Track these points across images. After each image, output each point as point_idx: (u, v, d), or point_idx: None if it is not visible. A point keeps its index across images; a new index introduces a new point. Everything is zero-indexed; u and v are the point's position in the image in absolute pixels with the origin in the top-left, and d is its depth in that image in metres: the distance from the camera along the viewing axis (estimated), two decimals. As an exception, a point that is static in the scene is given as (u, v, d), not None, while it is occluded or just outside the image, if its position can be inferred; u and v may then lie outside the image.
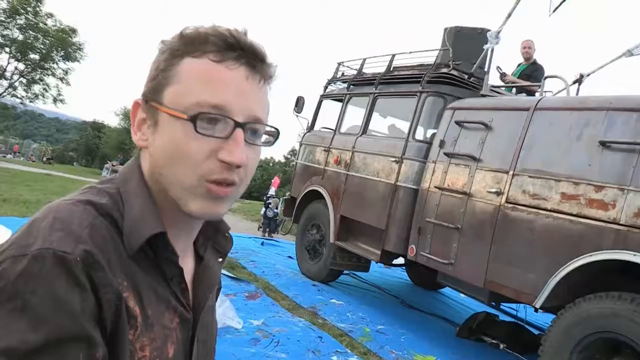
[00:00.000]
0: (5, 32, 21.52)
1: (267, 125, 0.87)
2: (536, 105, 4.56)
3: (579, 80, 6.16)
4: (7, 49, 21.66)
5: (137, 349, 0.79)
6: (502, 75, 6.75)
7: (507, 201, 4.49)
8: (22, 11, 21.21)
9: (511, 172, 4.50)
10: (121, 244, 0.80)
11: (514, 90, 6.43)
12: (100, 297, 0.72)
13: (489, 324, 5.50)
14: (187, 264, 0.97)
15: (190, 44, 0.82)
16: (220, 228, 1.04)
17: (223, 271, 6.46)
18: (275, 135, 0.91)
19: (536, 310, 4.36)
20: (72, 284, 0.69)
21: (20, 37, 21.61)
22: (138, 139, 0.87)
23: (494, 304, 5.15)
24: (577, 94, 5.98)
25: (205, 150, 0.80)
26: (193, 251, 1.01)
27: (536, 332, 5.81)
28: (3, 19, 21.09)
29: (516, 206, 4.40)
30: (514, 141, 4.57)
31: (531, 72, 6.64)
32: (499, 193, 4.56)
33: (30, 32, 21.74)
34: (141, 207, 0.84)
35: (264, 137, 0.89)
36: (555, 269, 3.97)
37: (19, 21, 21.42)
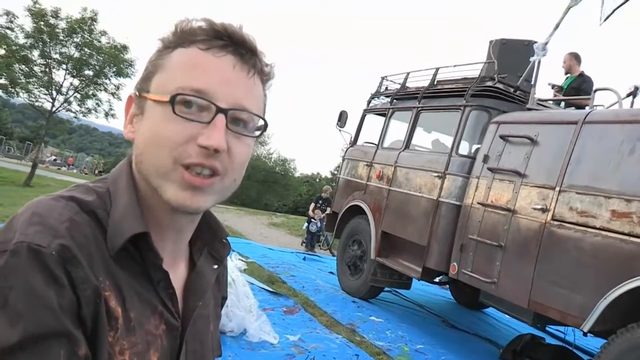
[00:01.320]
0: (63, 50, 22.49)
1: (253, 113, 0.83)
2: (585, 118, 4.37)
3: (633, 93, 5.86)
4: (64, 66, 22.61)
5: (115, 352, 0.76)
6: (558, 90, 6.53)
7: (553, 218, 4.29)
8: (79, 30, 22.15)
9: (558, 188, 4.31)
10: (104, 243, 0.77)
11: (562, 104, 6.20)
12: (78, 293, 0.70)
13: (534, 347, 5.26)
14: (179, 269, 0.93)
15: (182, 36, 0.82)
16: (217, 233, 1.01)
17: (262, 285, 6.46)
18: (261, 127, 0.87)
19: (585, 334, 4.13)
20: (48, 278, 0.67)
21: (76, 55, 22.54)
22: (127, 131, 0.85)
23: (539, 325, 4.92)
24: (631, 107, 5.71)
25: (184, 134, 0.77)
26: (187, 257, 0.97)
27: (585, 357, 5.51)
28: (62, 37, 22.07)
29: (563, 224, 4.20)
30: (561, 156, 4.38)
31: (578, 85, 6.39)
32: (544, 210, 4.37)
33: (86, 50, 22.65)
34: (125, 205, 0.82)
35: (255, 131, 0.86)
36: (605, 291, 3.75)
37: (75, 39, 22.36)
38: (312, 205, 14.46)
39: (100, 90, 23.78)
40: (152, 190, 0.82)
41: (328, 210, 14.26)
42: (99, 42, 23.01)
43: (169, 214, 0.84)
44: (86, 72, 23.20)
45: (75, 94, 23.42)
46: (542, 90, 6.44)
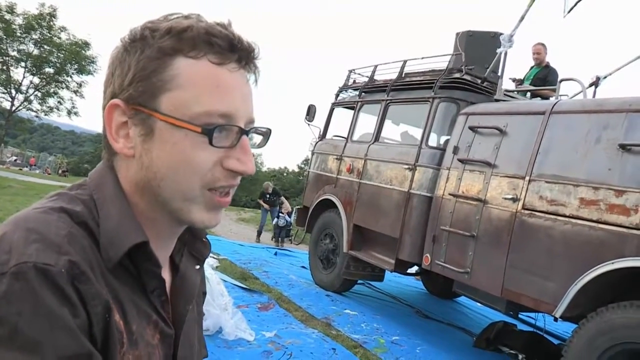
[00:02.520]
0: (21, 47, 21.85)
1: (263, 127, 0.84)
2: (552, 108, 4.45)
3: (595, 83, 6.03)
4: (23, 64, 21.97)
5: None
6: (519, 83, 6.64)
7: (523, 207, 4.37)
8: (37, 26, 21.52)
9: (527, 178, 4.39)
10: (99, 255, 0.73)
11: (528, 94, 6.31)
12: (89, 310, 0.66)
13: (507, 334, 5.35)
14: (165, 276, 0.89)
15: (184, 42, 0.75)
16: (197, 233, 0.97)
17: (235, 282, 6.40)
18: (268, 135, 0.86)
19: (556, 319, 4.22)
20: (61, 298, 0.63)
21: (36, 52, 21.91)
22: (122, 147, 0.78)
23: (512, 313, 5.02)
24: (593, 97, 5.84)
25: (212, 160, 0.76)
26: (168, 261, 0.93)
27: (556, 341, 5.65)
28: (19, 34, 21.42)
29: (533, 212, 4.28)
30: (530, 146, 4.46)
31: (544, 76, 6.52)
32: (515, 199, 4.45)
33: (45, 47, 22.05)
34: (119, 215, 0.77)
35: (257, 138, 0.85)
36: (575, 277, 3.84)
37: (33, 36, 21.74)
38: (261, 201, 15.10)
39: (62, 88, 23.24)
40: (157, 207, 0.79)
41: (284, 202, 14.77)
42: (59, 38, 22.43)
43: (173, 227, 0.83)
44: (46, 69, 22.62)
45: (36, 92, 22.78)
46: (509, 81, 6.51)
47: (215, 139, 0.74)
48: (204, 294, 1.12)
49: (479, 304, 6.51)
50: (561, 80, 5.21)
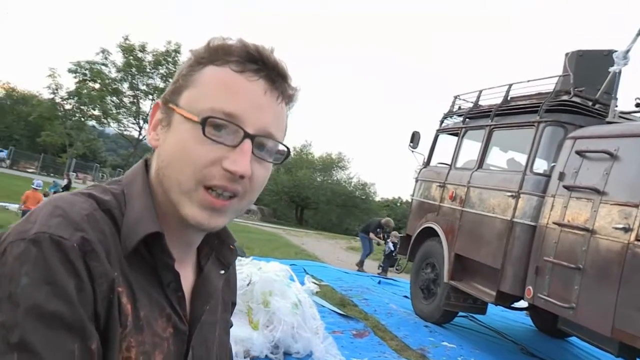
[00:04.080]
0: (149, 82, 23.88)
1: (279, 142, 0.85)
2: (670, 130, 4.04)
3: None
4: (150, 96, 23.98)
5: (122, 348, 0.77)
6: None
7: (637, 238, 3.97)
8: (164, 62, 23.46)
9: (641, 206, 3.99)
10: (119, 241, 0.79)
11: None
12: (95, 287, 0.72)
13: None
14: (187, 274, 0.94)
15: (215, 53, 0.83)
16: (225, 240, 1.01)
17: (332, 307, 6.40)
18: (284, 154, 0.88)
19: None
20: (69, 269, 0.69)
21: (162, 85, 23.87)
22: (151, 138, 0.87)
23: (627, 357, 4.53)
24: None
25: (211, 157, 0.79)
26: (195, 262, 0.98)
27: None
28: (148, 70, 23.46)
29: (648, 244, 3.87)
30: (644, 171, 4.06)
31: None
32: (627, 229, 4.05)
33: (170, 80, 23.89)
34: (141, 207, 0.84)
35: (276, 155, 0.87)
36: (697, 318, 3.40)
37: (160, 70, 23.70)
38: (373, 234, 14.40)
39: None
40: (169, 201, 0.84)
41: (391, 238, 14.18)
42: (183, 72, 24.22)
43: (181, 226, 0.86)
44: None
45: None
46: (625, 102, 6.02)
47: (211, 133, 0.78)
48: (234, 304, 1.15)
49: (592, 346, 5.96)
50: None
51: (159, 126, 0.86)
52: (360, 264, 13.99)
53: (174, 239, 0.86)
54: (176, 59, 23.60)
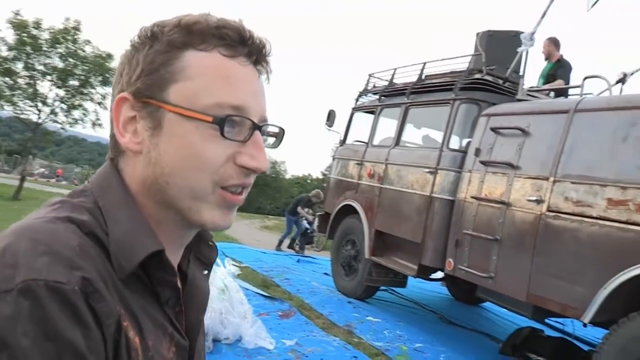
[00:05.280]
0: (47, 61, 22.26)
1: (276, 125, 0.80)
2: (576, 107, 4.31)
3: (622, 80, 5.83)
4: (49, 77, 22.39)
5: None
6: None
7: (548, 209, 4.23)
8: (63, 40, 21.92)
9: (552, 179, 4.25)
10: (111, 267, 0.67)
11: (552, 94, 6.15)
12: (104, 331, 0.61)
13: (534, 340, 5.18)
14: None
15: (194, 35, 0.72)
16: (203, 236, 0.90)
17: (256, 289, 6.36)
18: (281, 136, 0.83)
19: (585, 324, 4.07)
20: (73, 319, 0.58)
21: (61, 65, 22.31)
22: (128, 141, 0.74)
23: (538, 318, 4.86)
24: (620, 94, 5.66)
25: (224, 155, 0.72)
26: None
27: (586, 347, 5.45)
28: (45, 48, 21.85)
29: (559, 214, 4.14)
30: (554, 146, 4.32)
31: (555, 71, 6.34)
32: (539, 201, 4.31)
33: (70, 60, 22.44)
34: (129, 222, 0.72)
35: (270, 138, 0.82)
36: (604, 281, 3.69)
37: (59, 50, 22.14)
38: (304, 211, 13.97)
39: (87, 100, 23.56)
40: (166, 209, 0.74)
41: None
42: (83, 51, 22.78)
43: (181, 230, 0.78)
44: (71, 82, 22.96)
45: (61, 104, 23.20)
46: (531, 80, 6.36)
47: (227, 131, 0.71)
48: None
49: (504, 310, 6.35)
50: (586, 78, 5.06)
51: (137, 125, 0.74)
52: (279, 244, 13.95)
53: (170, 247, 0.76)
54: (76, 37, 22.07)
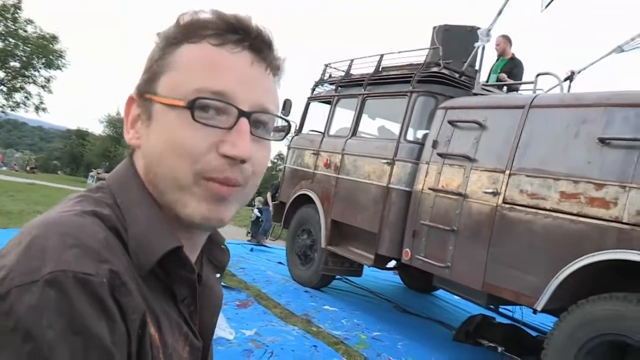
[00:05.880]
0: (-17, 40, 21.22)
1: (277, 115, 0.77)
2: (531, 102, 4.46)
3: (570, 77, 6.09)
4: (-11, 60, 21.37)
5: None
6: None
7: (504, 201, 4.38)
8: (1, 18, 20.89)
9: (507, 172, 4.40)
10: (131, 263, 0.67)
11: (504, 88, 6.34)
12: (128, 325, 0.61)
13: (486, 327, 5.37)
14: None
15: (188, 30, 0.73)
16: (215, 239, 0.91)
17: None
18: (286, 128, 0.80)
19: (535, 312, 4.25)
20: (100, 311, 0.57)
21: (0, 45, 21.28)
22: (131, 137, 0.76)
23: (492, 306, 5.05)
24: (568, 91, 5.90)
25: (205, 143, 0.69)
26: None
27: (534, 333, 5.70)
28: (-19, 26, 20.81)
29: (514, 206, 4.29)
30: (510, 140, 4.46)
31: (510, 69, 6.57)
32: (495, 193, 4.45)
33: (10, 40, 21.41)
34: (147, 218, 0.72)
35: (274, 132, 0.79)
36: (556, 270, 3.86)
37: (-3, 28, 21.14)
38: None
39: (29, 82, 22.61)
40: (166, 203, 0.73)
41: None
42: (25, 31, 21.78)
43: (185, 229, 0.75)
44: (12, 63, 21.94)
45: (1, 87, 22.12)
46: (483, 76, 6.53)
47: (202, 116, 0.69)
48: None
49: (457, 298, 6.55)
50: (538, 75, 5.25)
51: (138, 122, 0.75)
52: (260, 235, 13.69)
53: (184, 247, 0.75)
54: (16, 15, 21.03)
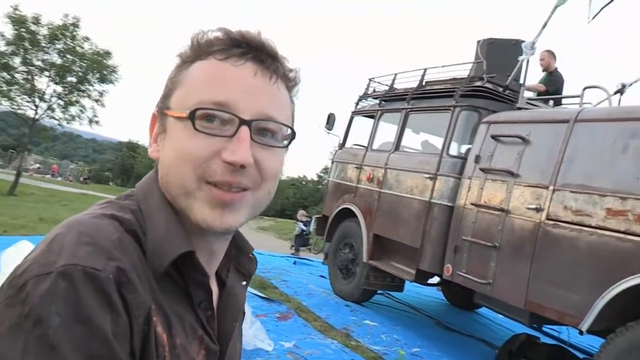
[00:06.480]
0: (45, 57, 22.25)
1: (278, 122, 0.79)
2: (577, 117, 4.36)
3: (620, 91, 5.90)
4: (47, 73, 22.39)
5: None
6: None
7: (547, 218, 4.28)
8: (61, 36, 21.92)
9: (551, 187, 4.30)
10: (146, 265, 0.72)
11: (551, 102, 6.20)
12: (132, 321, 0.65)
13: (530, 347, 5.24)
14: (212, 289, 0.87)
15: (199, 48, 0.78)
16: (243, 248, 0.96)
17: (254, 291, 6.38)
18: (289, 136, 0.82)
19: (581, 332, 4.11)
20: (104, 304, 0.62)
21: (59, 61, 22.31)
22: (152, 150, 0.82)
23: (535, 325, 4.91)
24: (618, 104, 5.73)
25: (207, 150, 0.73)
26: (215, 276, 0.91)
27: (581, 355, 5.51)
28: (44, 44, 21.84)
29: (558, 223, 4.19)
30: (554, 155, 4.37)
31: (548, 83, 6.43)
32: (538, 209, 4.36)
33: (68, 56, 22.45)
34: (165, 224, 0.76)
35: (283, 140, 0.81)
36: (602, 290, 3.73)
37: (57, 46, 22.14)
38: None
39: (84, 96, 23.62)
40: (180, 210, 0.78)
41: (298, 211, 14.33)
42: (82, 48, 22.83)
43: (200, 235, 0.79)
44: (69, 78, 23.00)
45: (58, 100, 23.21)
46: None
47: (203, 126, 0.73)
48: (244, 313, 1.10)
49: (500, 315, 6.40)
50: (585, 88, 5.11)
51: (159, 137, 0.81)
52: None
53: (200, 252, 0.79)
54: (74, 33, 22.10)
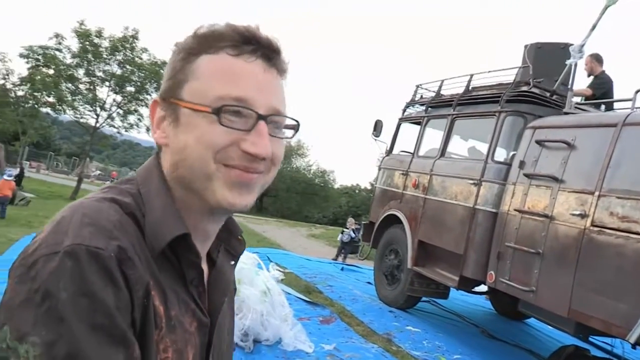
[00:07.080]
0: (106, 68, 23.32)
1: (288, 117, 0.87)
2: (625, 120, 4.23)
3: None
4: (107, 83, 23.45)
5: (160, 349, 0.79)
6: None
7: (592, 224, 4.16)
8: (121, 48, 22.94)
9: (597, 193, 4.18)
10: (145, 245, 0.80)
11: (602, 107, 6.02)
12: (132, 295, 0.73)
13: (578, 359, 5.07)
14: (203, 268, 0.95)
15: (206, 42, 0.84)
16: (233, 231, 1.03)
17: (298, 294, 6.47)
18: (295, 127, 0.90)
19: (634, 346, 3.96)
20: (107, 280, 0.69)
21: (119, 72, 23.34)
22: (158, 136, 0.88)
23: (582, 336, 4.76)
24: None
25: (228, 139, 0.80)
26: (206, 256, 0.99)
27: (634, 370, 5.30)
28: (105, 56, 22.90)
29: (603, 229, 4.07)
30: (600, 160, 4.25)
31: (594, 87, 6.23)
32: (583, 215, 4.25)
33: (127, 67, 23.46)
34: (163, 208, 0.84)
35: (285, 130, 0.89)
36: (649, 299, 3.60)
37: (117, 57, 23.16)
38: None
39: (142, 105, 24.60)
40: (190, 194, 0.85)
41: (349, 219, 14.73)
42: (140, 59, 23.82)
43: (205, 217, 0.87)
44: (128, 88, 24.03)
45: (118, 109, 24.26)
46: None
47: (227, 120, 0.80)
48: (235, 290, 1.18)
49: (549, 326, 6.22)
50: (637, 91, 4.94)
51: (164, 123, 0.86)
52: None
53: (194, 234, 0.87)
54: (134, 45, 23.09)
